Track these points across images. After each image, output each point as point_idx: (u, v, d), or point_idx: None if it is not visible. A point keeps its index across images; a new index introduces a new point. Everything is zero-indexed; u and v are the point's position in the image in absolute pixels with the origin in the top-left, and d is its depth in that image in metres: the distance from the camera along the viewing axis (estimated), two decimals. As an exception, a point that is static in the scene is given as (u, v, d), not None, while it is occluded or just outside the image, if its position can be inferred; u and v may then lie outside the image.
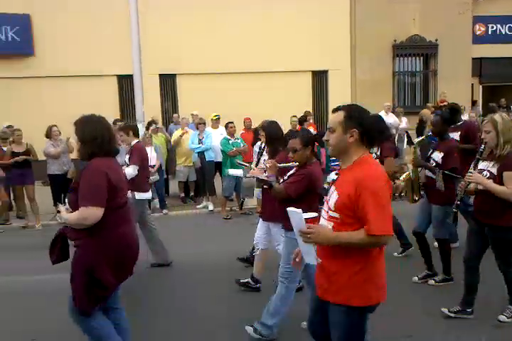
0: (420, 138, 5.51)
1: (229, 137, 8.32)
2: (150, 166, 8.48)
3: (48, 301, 4.53)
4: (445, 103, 11.58)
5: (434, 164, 4.62)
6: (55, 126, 8.38)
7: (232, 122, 8.47)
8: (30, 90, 11.88)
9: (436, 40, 13.50)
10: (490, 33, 14.27)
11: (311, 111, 12.77)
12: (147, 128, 9.72)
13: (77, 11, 11.81)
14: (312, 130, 9.75)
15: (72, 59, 11.84)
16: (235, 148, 8.20)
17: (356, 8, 13.19)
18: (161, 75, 12.73)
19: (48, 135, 8.20)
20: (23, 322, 4.26)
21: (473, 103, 13.93)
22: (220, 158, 8.55)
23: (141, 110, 10.14)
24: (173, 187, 9.83)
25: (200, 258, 5.76)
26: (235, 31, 12.33)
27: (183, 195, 9.54)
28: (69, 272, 2.99)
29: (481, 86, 14.44)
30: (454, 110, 5.96)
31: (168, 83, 12.96)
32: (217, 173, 8.96)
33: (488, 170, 3.70)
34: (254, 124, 8.98)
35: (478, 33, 14.12)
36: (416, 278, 4.84)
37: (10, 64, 11.89)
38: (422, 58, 13.92)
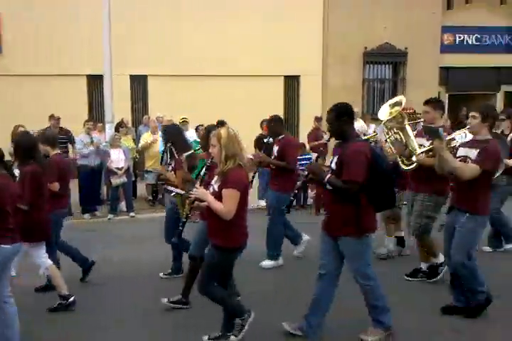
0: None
1: (198, 140, 8.28)
2: (117, 168, 8.43)
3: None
4: (412, 110, 11.85)
5: None
6: (22, 126, 8.17)
7: (202, 125, 8.41)
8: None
9: (406, 49, 13.80)
10: (457, 42, 14.67)
11: (282, 115, 12.88)
12: (116, 130, 9.61)
13: (48, 9, 11.59)
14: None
15: (42, 58, 11.61)
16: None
17: (329, 15, 13.37)
18: (131, 76, 12.59)
19: (14, 135, 7.99)
20: None
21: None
22: (189, 161, 8.49)
23: (111, 111, 9.98)
24: (141, 189, 9.72)
25: (168, 261, 5.70)
26: (207, 34, 12.30)
27: (151, 197, 9.45)
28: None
29: (447, 94, 14.81)
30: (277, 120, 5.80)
31: (138, 84, 12.83)
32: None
33: (213, 186, 3.54)
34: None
35: (446, 42, 14.50)
36: None
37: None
38: (391, 66, 14.19)
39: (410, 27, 13.41)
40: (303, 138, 10.77)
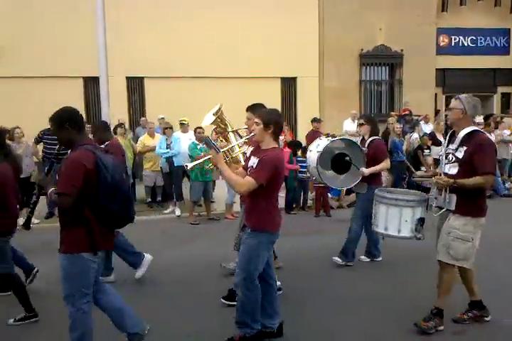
0: None
1: (197, 142, 8.24)
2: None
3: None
4: (407, 112, 11.90)
5: None
6: (18, 127, 8.11)
7: (200, 127, 8.37)
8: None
9: (402, 51, 13.83)
10: (453, 44, 14.76)
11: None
12: (114, 131, 9.52)
13: (43, 11, 11.52)
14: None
15: (37, 60, 11.51)
16: (202, 154, 8.12)
17: (325, 16, 13.39)
18: (128, 78, 12.52)
19: (11, 137, 7.92)
20: None
21: (436, 112, 14.33)
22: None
23: (107, 113, 9.91)
24: (140, 191, 9.65)
25: (166, 263, 5.65)
26: (205, 36, 12.28)
27: (149, 199, 9.38)
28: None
29: (444, 96, 14.87)
30: None
31: (135, 86, 12.76)
32: (185, 178, 8.85)
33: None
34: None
35: (441, 44, 14.58)
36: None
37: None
38: (387, 67, 14.23)
39: (406, 29, 13.46)
40: (301, 139, 10.76)
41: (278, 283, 4.33)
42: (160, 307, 4.45)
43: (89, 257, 3.15)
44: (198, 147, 8.17)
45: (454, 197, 3.76)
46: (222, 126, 4.42)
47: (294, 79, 13.59)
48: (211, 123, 4.46)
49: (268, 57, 12.64)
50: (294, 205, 9.07)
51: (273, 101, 13.23)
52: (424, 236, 4.23)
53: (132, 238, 6.62)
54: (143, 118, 11.38)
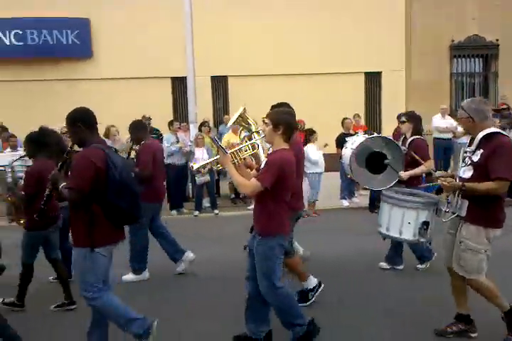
0: None
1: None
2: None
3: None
4: (505, 106, 11.07)
5: None
6: (113, 126, 8.62)
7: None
8: (88, 92, 12.28)
9: (497, 40, 12.91)
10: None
11: (362, 113, 12.55)
12: (200, 129, 9.85)
13: (133, 15, 12.10)
14: (361, 133, 9.53)
15: (128, 61, 12.15)
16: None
17: (412, 6, 12.82)
18: (212, 77, 12.85)
19: (106, 135, 8.45)
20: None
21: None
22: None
23: (194, 111, 10.27)
24: (224, 187, 9.88)
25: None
26: (287, 32, 12.28)
27: (233, 195, 9.57)
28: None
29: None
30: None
31: (219, 84, 13.07)
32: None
33: None
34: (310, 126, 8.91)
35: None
36: None
37: (70, 66, 12.36)
38: (481, 59, 13.35)
39: (502, 17, 12.54)
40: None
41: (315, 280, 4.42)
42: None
43: (99, 251, 3.24)
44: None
45: (466, 203, 3.47)
46: (246, 125, 4.33)
47: (378, 73, 13.18)
48: (233, 123, 4.43)
49: (351, 52, 12.37)
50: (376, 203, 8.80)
51: (357, 98, 12.99)
52: (429, 241, 3.97)
53: (215, 232, 6.80)
54: (226, 116, 11.63)
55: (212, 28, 11.96)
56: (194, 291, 4.95)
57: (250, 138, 4.05)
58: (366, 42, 12.40)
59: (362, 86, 13.24)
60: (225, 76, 12.89)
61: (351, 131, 9.14)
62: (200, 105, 10.84)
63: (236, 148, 3.64)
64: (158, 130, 9.89)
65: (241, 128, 4.44)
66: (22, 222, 4.46)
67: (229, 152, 3.52)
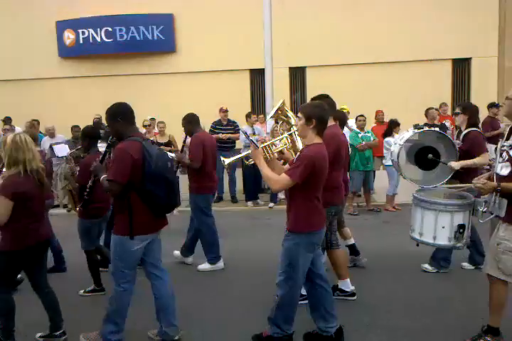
0: None
1: (358, 130, 8.05)
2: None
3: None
4: None
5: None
6: (162, 122, 9.10)
7: (362, 115, 8.18)
8: (171, 85, 12.79)
9: None
10: None
11: (449, 102, 11.86)
12: (276, 121, 9.84)
13: (214, 10, 12.35)
14: (448, 123, 9.02)
15: (209, 55, 12.45)
16: (364, 142, 7.92)
17: (508, -14, 11.85)
18: (290, 68, 12.79)
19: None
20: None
21: None
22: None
23: (271, 103, 10.27)
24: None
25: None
26: (368, 20, 11.88)
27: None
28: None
29: None
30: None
31: (297, 75, 12.98)
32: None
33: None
34: (387, 117, 8.59)
35: None
36: None
37: (155, 60, 12.94)
38: None
39: None
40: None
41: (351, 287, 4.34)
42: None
43: (134, 240, 3.36)
44: (359, 135, 7.98)
45: (505, 202, 3.13)
46: (285, 118, 4.16)
47: (467, 60, 12.36)
48: (271, 117, 4.27)
49: (438, 38, 11.69)
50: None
51: (442, 86, 12.29)
52: (466, 245, 3.62)
53: (274, 226, 6.76)
54: (304, 107, 11.53)
55: (292, 19, 11.88)
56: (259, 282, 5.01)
57: (289, 132, 3.97)
58: (455, 27, 11.63)
59: (449, 73, 12.50)
60: (304, 67, 12.78)
61: (436, 122, 8.66)
62: (278, 97, 10.82)
63: (268, 142, 3.55)
64: (235, 122, 9.95)
65: (280, 122, 4.37)
66: (78, 210, 4.72)
67: (261, 146, 3.46)
